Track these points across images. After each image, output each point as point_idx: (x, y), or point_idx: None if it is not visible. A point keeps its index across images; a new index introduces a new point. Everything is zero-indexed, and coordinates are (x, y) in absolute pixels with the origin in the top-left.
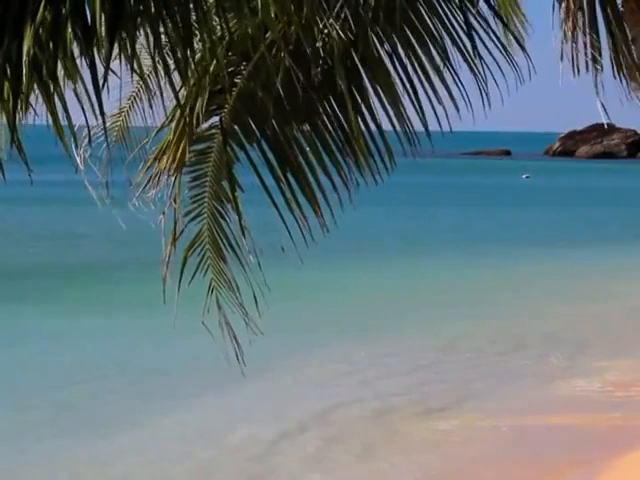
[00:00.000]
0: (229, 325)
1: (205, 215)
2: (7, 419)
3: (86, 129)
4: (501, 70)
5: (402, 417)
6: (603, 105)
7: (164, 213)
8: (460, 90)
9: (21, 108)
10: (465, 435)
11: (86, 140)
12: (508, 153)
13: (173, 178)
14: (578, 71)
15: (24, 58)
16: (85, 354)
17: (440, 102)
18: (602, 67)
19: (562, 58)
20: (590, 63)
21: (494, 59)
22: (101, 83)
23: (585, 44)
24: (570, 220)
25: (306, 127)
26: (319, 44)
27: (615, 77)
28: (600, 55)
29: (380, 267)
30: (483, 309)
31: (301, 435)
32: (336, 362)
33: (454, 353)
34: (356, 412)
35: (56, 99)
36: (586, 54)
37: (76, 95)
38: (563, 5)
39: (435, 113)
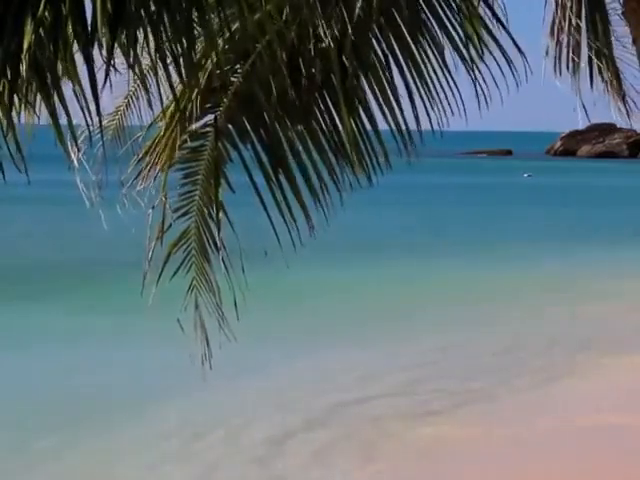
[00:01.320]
0: (203, 325)
1: (194, 213)
2: (6, 417)
3: (81, 128)
4: (501, 70)
5: (402, 418)
6: (584, 106)
7: (153, 208)
8: (459, 90)
9: (21, 107)
10: (466, 435)
11: (81, 139)
12: (509, 152)
13: (164, 174)
14: (575, 70)
15: (24, 55)
16: (86, 352)
17: (434, 104)
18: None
19: (547, 55)
20: (573, 65)
21: (494, 58)
22: (102, 83)
23: (571, 46)
24: (571, 219)
25: (300, 128)
26: (316, 44)
27: (593, 80)
28: (600, 59)
29: (381, 267)
30: (483, 309)
31: (300, 436)
32: (336, 363)
33: (455, 353)
34: (356, 413)
35: (55, 98)
36: (574, 55)
37: (75, 94)
38: (553, 7)
39: (434, 113)
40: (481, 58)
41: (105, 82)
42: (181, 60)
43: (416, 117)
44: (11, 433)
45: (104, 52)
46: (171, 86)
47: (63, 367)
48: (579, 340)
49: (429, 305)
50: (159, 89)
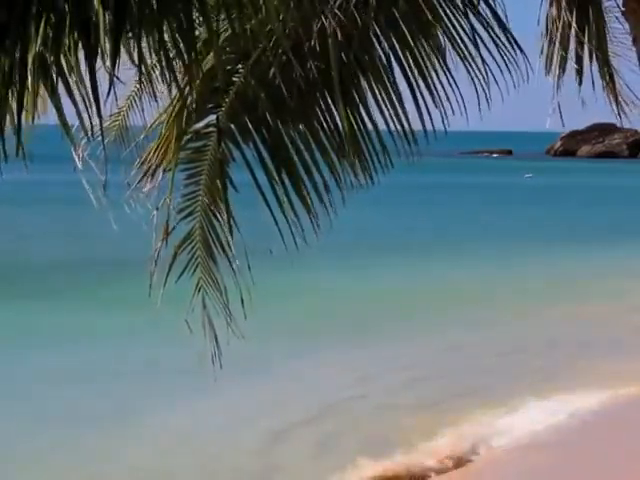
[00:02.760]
0: (212, 325)
1: (198, 213)
2: (7, 415)
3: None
4: (501, 70)
5: (402, 417)
6: (559, 107)
7: (157, 209)
8: (459, 90)
9: (28, 109)
10: (466, 435)
11: (85, 139)
12: (510, 152)
13: (168, 174)
14: (583, 75)
15: (29, 64)
16: (89, 350)
17: (436, 103)
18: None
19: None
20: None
21: (494, 59)
22: (107, 86)
23: (565, 45)
24: (572, 219)
25: (302, 127)
26: (317, 42)
27: (582, 79)
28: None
29: (381, 267)
30: (483, 309)
31: (299, 433)
32: (336, 363)
33: (455, 353)
34: (356, 412)
35: (59, 98)
36: (567, 55)
37: (80, 94)
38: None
39: (434, 113)
40: (481, 57)
41: (110, 87)
42: (183, 60)
43: (420, 116)
44: (12, 430)
45: (107, 62)
46: (178, 85)
47: (66, 365)
48: (579, 340)
49: (429, 305)
50: (170, 89)
